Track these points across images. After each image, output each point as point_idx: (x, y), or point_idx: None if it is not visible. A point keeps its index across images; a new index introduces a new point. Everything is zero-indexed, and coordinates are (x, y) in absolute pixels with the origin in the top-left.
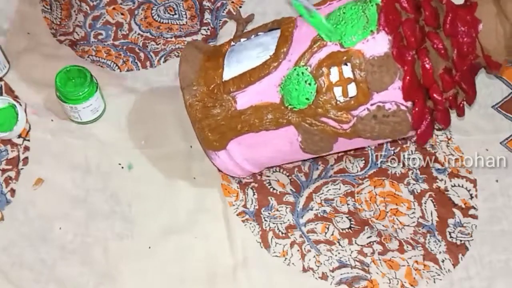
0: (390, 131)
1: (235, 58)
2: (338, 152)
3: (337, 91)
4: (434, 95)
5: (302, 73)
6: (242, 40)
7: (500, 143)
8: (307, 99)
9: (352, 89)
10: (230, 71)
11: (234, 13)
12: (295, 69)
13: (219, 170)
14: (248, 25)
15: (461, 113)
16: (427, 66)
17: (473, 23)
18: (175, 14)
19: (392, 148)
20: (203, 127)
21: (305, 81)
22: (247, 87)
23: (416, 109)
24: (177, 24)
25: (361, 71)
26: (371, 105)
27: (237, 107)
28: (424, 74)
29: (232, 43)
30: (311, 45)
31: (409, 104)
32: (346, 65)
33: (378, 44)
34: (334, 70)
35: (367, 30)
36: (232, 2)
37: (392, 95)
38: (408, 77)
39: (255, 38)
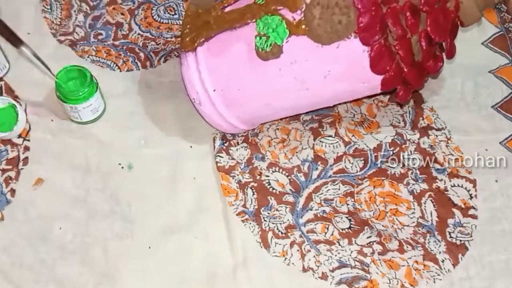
0: (331, 26)
1: None
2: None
3: None
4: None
5: None
6: None
7: (500, 143)
8: None
9: None
10: None
11: None
12: None
13: (183, 81)
14: None
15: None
16: None
17: None
18: (175, 14)
19: (392, 148)
20: (186, 25)
21: None
22: (237, 1)
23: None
24: (177, 24)
25: None
26: None
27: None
28: None
29: None
30: None
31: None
32: None
33: None
34: None
35: None
36: None
37: None
38: None
39: None
